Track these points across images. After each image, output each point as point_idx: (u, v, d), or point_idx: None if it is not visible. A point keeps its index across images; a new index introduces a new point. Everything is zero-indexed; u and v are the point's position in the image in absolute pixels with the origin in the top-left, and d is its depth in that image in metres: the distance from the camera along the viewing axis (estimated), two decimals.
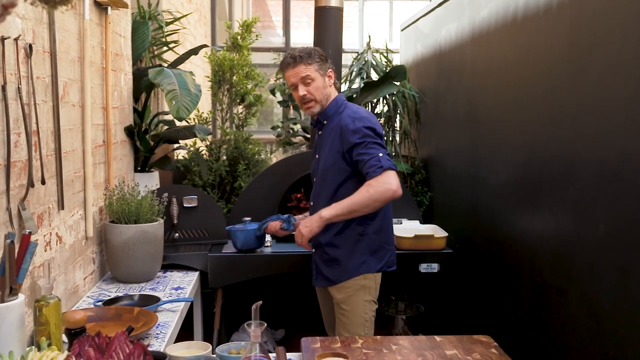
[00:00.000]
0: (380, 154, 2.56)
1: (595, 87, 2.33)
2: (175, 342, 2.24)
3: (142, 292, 2.75)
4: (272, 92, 5.35)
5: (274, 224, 3.04)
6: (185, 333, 2.90)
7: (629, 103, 2.11)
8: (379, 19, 8.71)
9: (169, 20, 4.41)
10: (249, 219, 3.45)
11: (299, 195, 4.14)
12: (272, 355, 1.91)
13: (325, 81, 2.74)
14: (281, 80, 5.38)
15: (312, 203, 2.85)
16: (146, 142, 3.62)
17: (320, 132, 2.84)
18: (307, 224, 2.65)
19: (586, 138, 2.39)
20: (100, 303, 2.53)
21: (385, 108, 4.94)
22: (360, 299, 2.70)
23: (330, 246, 2.74)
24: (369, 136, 2.61)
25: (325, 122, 2.79)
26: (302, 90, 2.72)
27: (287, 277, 3.86)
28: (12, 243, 1.73)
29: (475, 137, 3.66)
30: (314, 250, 2.85)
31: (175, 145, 4.24)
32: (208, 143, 4.49)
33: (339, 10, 3.92)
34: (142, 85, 3.62)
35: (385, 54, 5.34)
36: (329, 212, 2.61)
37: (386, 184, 2.52)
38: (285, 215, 3.03)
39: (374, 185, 2.53)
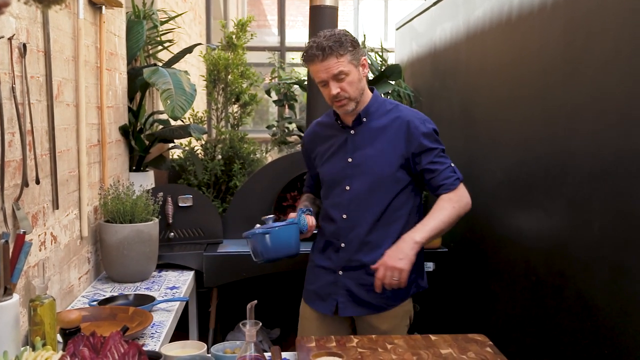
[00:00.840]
0: (452, 164, 2.36)
1: (589, 86, 2.34)
2: (170, 342, 2.24)
3: (137, 292, 2.75)
4: (267, 92, 5.35)
5: (311, 219, 2.49)
6: (180, 333, 2.89)
7: (624, 101, 2.11)
8: (374, 17, 8.72)
9: (163, 20, 4.40)
10: (271, 216, 2.50)
11: (294, 194, 4.14)
12: (267, 354, 1.91)
13: (360, 73, 2.34)
14: (276, 80, 5.37)
15: (345, 216, 2.41)
16: (141, 141, 3.61)
17: (353, 132, 2.43)
18: (401, 256, 2.17)
19: (580, 136, 2.39)
20: (95, 303, 2.52)
21: None
22: (403, 328, 2.44)
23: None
24: (440, 142, 2.37)
25: (364, 120, 2.41)
26: (334, 89, 2.30)
27: (282, 277, 3.85)
28: (6, 243, 1.73)
29: (469, 136, 3.67)
30: (340, 272, 2.45)
31: (170, 145, 4.23)
32: (203, 142, 4.48)
33: (334, 10, 3.91)
34: (137, 85, 3.61)
35: (380, 53, 5.33)
36: (420, 235, 2.22)
37: (465, 197, 2.35)
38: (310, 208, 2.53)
39: (457, 201, 2.30)
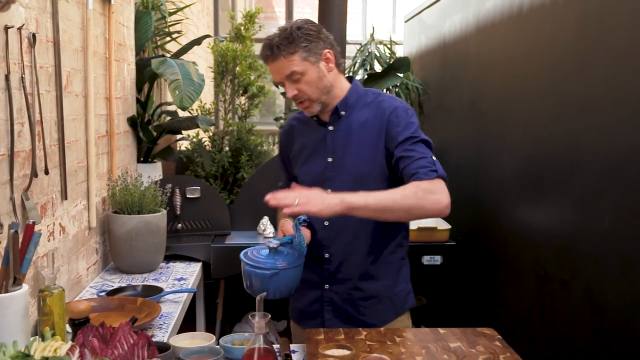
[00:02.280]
0: (434, 157, 1.98)
1: (601, 80, 2.32)
2: (178, 333, 2.24)
3: (145, 283, 2.75)
4: (275, 84, 5.34)
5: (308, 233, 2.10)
6: (187, 324, 2.90)
7: (635, 95, 2.09)
8: (382, 10, 8.68)
9: (172, 11, 4.39)
10: (276, 243, 1.99)
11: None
12: (276, 346, 1.91)
13: (321, 69, 2.03)
14: None
15: (326, 224, 2.11)
16: (149, 132, 3.61)
17: (332, 128, 2.13)
18: (322, 201, 1.81)
19: (591, 130, 2.38)
20: (103, 293, 2.53)
21: None
22: None
23: (366, 279, 2.12)
24: (420, 132, 2.04)
25: (343, 113, 2.11)
26: (290, 91, 2.04)
27: None
28: (15, 233, 1.73)
29: (479, 129, 3.65)
30: (326, 286, 2.16)
31: (178, 136, 4.23)
32: (211, 134, 4.48)
33: (342, 2, 3.90)
34: (145, 76, 3.61)
35: (388, 46, 5.32)
36: (357, 200, 1.85)
37: (438, 194, 1.90)
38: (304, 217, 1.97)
39: (425, 190, 1.89)
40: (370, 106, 2.10)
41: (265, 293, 1.66)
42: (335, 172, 2.10)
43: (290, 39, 1.98)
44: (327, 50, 2.04)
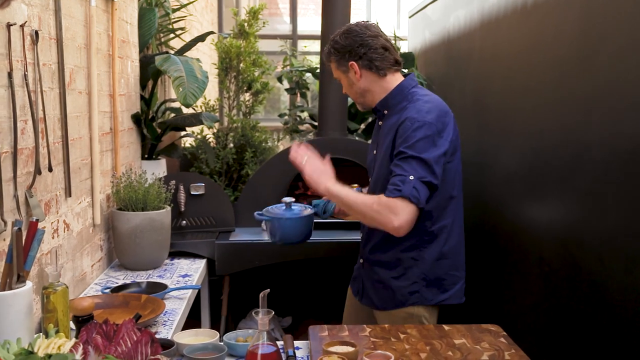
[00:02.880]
0: (412, 177, 2.07)
1: (605, 75, 2.30)
2: (182, 330, 2.24)
3: (149, 280, 2.76)
4: (279, 80, 5.34)
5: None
6: (192, 320, 2.90)
7: None
8: (386, 5, 8.67)
9: (175, 7, 4.39)
10: (290, 199, 2.55)
11: (306, 183, 4.13)
12: (280, 343, 1.91)
13: (350, 78, 2.30)
14: (288, 67, 5.36)
15: None
16: (153, 129, 3.61)
17: (380, 123, 2.37)
18: (317, 179, 2.21)
19: (596, 126, 2.36)
20: (107, 290, 2.53)
21: None
22: None
23: (379, 265, 2.35)
24: (417, 151, 2.12)
25: (385, 112, 2.32)
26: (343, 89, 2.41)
27: (295, 265, 3.86)
28: (19, 230, 1.73)
29: (482, 124, 3.64)
30: (361, 260, 2.47)
31: (182, 133, 4.23)
32: (215, 130, 4.48)
33: None
34: (149, 73, 3.61)
35: (393, 41, 5.30)
36: (335, 190, 2.19)
37: (391, 213, 2.07)
38: (359, 188, 2.54)
39: (382, 205, 2.08)
40: (401, 113, 2.24)
41: (268, 290, 1.68)
42: (375, 165, 2.36)
43: (326, 52, 2.32)
44: (352, 62, 2.26)
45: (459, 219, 2.42)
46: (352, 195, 2.19)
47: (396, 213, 2.06)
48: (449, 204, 2.35)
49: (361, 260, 2.48)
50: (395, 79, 2.32)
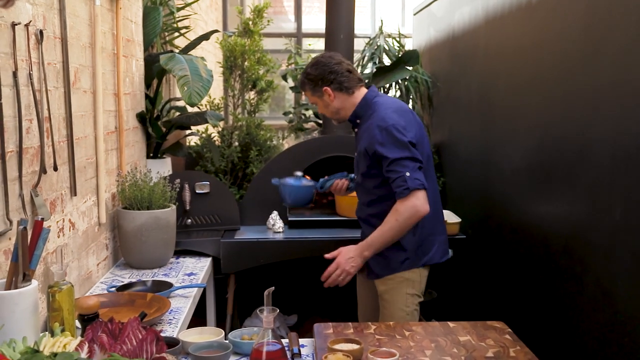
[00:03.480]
0: (408, 174, 2.50)
1: (610, 70, 2.30)
2: (188, 328, 2.25)
3: (155, 278, 2.76)
4: (284, 78, 5.33)
5: (340, 183, 3.06)
6: (197, 319, 2.91)
7: None
8: (391, 3, 8.65)
9: (180, 6, 4.39)
10: (300, 173, 3.36)
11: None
12: (285, 341, 1.91)
13: (325, 100, 2.72)
14: (293, 65, 5.35)
15: (351, 183, 3.01)
16: (158, 128, 3.61)
17: (356, 130, 2.80)
18: (353, 263, 2.62)
19: (601, 121, 2.35)
20: (113, 289, 2.54)
21: (398, 93, 4.91)
22: (402, 292, 2.67)
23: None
24: (396, 154, 2.52)
25: (358, 121, 2.75)
26: (318, 110, 2.87)
27: (300, 263, 3.85)
28: (24, 229, 1.74)
29: (488, 121, 3.63)
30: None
31: (187, 132, 4.23)
32: (220, 129, 4.48)
33: None
34: (154, 71, 3.61)
35: (397, 39, 5.29)
36: (369, 251, 2.62)
37: (412, 207, 2.51)
38: (352, 175, 2.97)
39: (401, 212, 2.52)
40: (369, 120, 2.67)
41: (272, 288, 1.68)
42: (356, 164, 2.80)
43: (301, 83, 2.78)
44: (326, 87, 2.69)
45: (433, 191, 2.70)
46: (377, 234, 2.59)
47: (411, 206, 2.51)
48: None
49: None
50: (360, 94, 2.74)
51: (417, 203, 2.51)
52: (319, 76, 2.68)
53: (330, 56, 2.75)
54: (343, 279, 2.65)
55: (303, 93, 2.82)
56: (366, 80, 4.65)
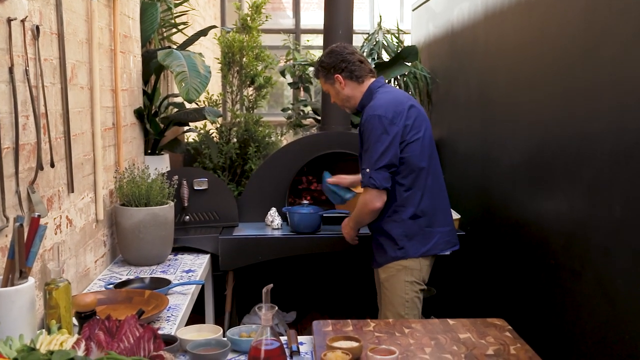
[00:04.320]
0: (367, 170, 2.67)
1: (610, 66, 2.28)
2: (186, 325, 2.24)
3: (153, 275, 2.75)
4: (282, 74, 5.31)
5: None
6: (196, 316, 2.90)
7: None
8: None
9: (177, 2, 4.37)
10: (307, 202, 3.59)
11: (310, 177, 4.12)
12: (284, 338, 1.90)
13: (337, 88, 2.85)
14: (291, 62, 5.34)
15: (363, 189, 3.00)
16: (156, 124, 3.60)
17: (361, 121, 2.89)
18: (345, 230, 2.99)
19: (601, 118, 2.34)
20: (111, 286, 2.53)
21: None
22: (401, 280, 2.76)
23: (378, 232, 2.84)
24: (373, 140, 2.67)
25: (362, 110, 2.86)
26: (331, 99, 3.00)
27: (298, 259, 3.85)
28: (21, 226, 1.72)
29: (487, 118, 3.62)
30: (371, 234, 2.98)
31: (185, 128, 4.22)
32: (218, 125, 4.47)
33: None
34: (151, 68, 3.59)
35: (396, 35, 5.28)
36: (351, 224, 2.94)
37: (362, 200, 2.74)
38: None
39: (359, 202, 2.78)
40: (367, 106, 2.78)
41: (271, 285, 1.67)
42: (361, 154, 2.84)
43: (316, 70, 2.93)
44: (337, 74, 2.82)
45: (433, 184, 2.80)
46: (352, 217, 2.90)
47: (367, 200, 2.71)
48: (420, 173, 2.76)
49: (371, 234, 2.96)
50: (367, 84, 2.85)
51: (367, 198, 2.70)
52: (332, 64, 2.83)
53: (344, 46, 2.88)
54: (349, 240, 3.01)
55: (313, 83, 2.99)
56: None
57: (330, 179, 3.16)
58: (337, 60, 2.82)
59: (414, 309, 2.77)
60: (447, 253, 2.85)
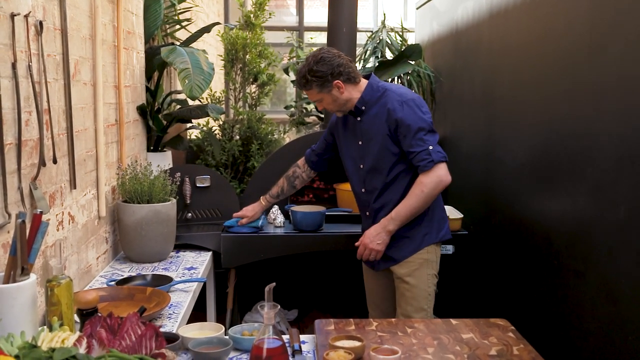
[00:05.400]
0: (431, 147, 2.60)
1: (615, 66, 2.27)
2: (188, 322, 2.23)
3: (154, 272, 2.75)
4: (286, 72, 5.31)
5: None
6: (198, 313, 2.89)
7: None
8: None
9: None
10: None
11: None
12: (286, 337, 1.89)
13: (334, 94, 2.72)
14: (294, 59, 5.33)
15: (363, 190, 2.84)
16: (159, 121, 3.59)
17: (359, 119, 2.79)
18: (379, 241, 2.70)
19: (606, 117, 2.33)
20: (113, 283, 2.52)
21: None
22: (424, 273, 2.76)
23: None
24: (418, 123, 2.62)
25: (364, 108, 2.76)
26: (319, 106, 2.83)
27: (301, 257, 3.84)
28: (23, 223, 1.72)
29: (491, 116, 3.61)
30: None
31: (188, 125, 4.21)
32: (221, 122, 4.46)
33: None
34: (155, 64, 3.58)
35: (400, 33, 5.26)
36: (393, 224, 2.68)
37: (436, 177, 2.61)
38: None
39: (426, 183, 2.61)
40: (380, 102, 2.72)
41: (274, 284, 1.67)
42: (364, 152, 2.78)
43: (305, 81, 2.71)
44: (337, 81, 2.68)
45: None
46: (403, 210, 2.66)
47: (436, 176, 2.61)
48: None
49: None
50: (364, 82, 2.79)
51: (441, 173, 2.61)
52: (328, 71, 2.68)
53: (328, 50, 2.76)
54: (375, 256, 2.74)
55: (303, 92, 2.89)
56: None
57: (239, 222, 3.29)
58: (333, 66, 2.68)
59: (432, 302, 2.80)
60: (447, 239, 2.88)
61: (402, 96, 2.67)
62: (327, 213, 3.51)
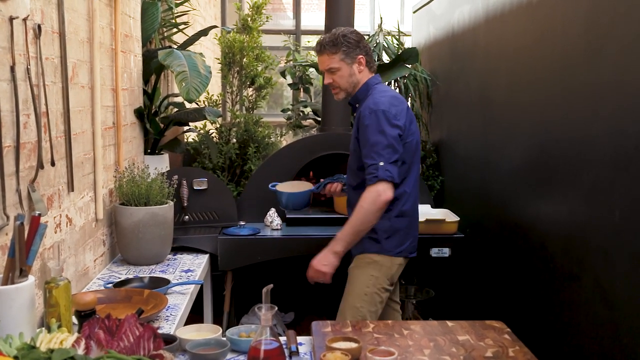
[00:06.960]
0: (381, 163, 2.55)
1: (611, 70, 2.29)
2: (185, 325, 2.23)
3: (152, 275, 2.75)
4: (283, 75, 5.32)
5: (335, 185, 3.07)
6: (195, 315, 2.90)
7: None
8: (390, 0, 8.63)
9: (178, 2, 4.37)
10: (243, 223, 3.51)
11: (309, 177, 4.12)
12: (282, 338, 1.90)
13: (353, 69, 2.69)
14: (291, 62, 5.34)
15: (345, 186, 2.95)
16: (156, 124, 3.60)
17: (355, 115, 2.80)
18: (325, 263, 2.64)
19: (602, 121, 2.35)
20: (110, 285, 2.53)
21: (397, 91, 4.89)
22: (366, 272, 2.71)
23: None
24: (376, 137, 2.57)
25: (357, 105, 2.76)
26: (327, 79, 2.75)
27: (297, 260, 3.84)
28: (21, 225, 1.72)
29: (487, 120, 3.62)
30: None
31: (185, 128, 4.22)
32: (218, 126, 4.47)
33: None
34: (152, 67, 3.59)
35: (397, 36, 5.28)
36: (340, 246, 2.63)
37: (375, 192, 2.55)
38: (345, 176, 2.98)
39: (364, 197, 2.57)
40: (364, 101, 2.69)
41: (271, 285, 1.68)
42: (354, 148, 2.75)
43: (334, 43, 2.66)
44: (361, 56, 2.68)
45: (416, 186, 2.79)
46: (348, 229, 2.62)
47: (374, 192, 2.55)
48: (408, 175, 2.72)
49: None
50: (370, 77, 2.75)
51: (380, 189, 2.54)
52: (359, 43, 2.67)
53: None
54: (324, 278, 2.66)
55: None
56: None
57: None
58: (364, 41, 2.69)
59: (371, 305, 2.68)
60: (410, 257, 2.80)
61: (376, 104, 2.61)
62: (327, 216, 3.54)
